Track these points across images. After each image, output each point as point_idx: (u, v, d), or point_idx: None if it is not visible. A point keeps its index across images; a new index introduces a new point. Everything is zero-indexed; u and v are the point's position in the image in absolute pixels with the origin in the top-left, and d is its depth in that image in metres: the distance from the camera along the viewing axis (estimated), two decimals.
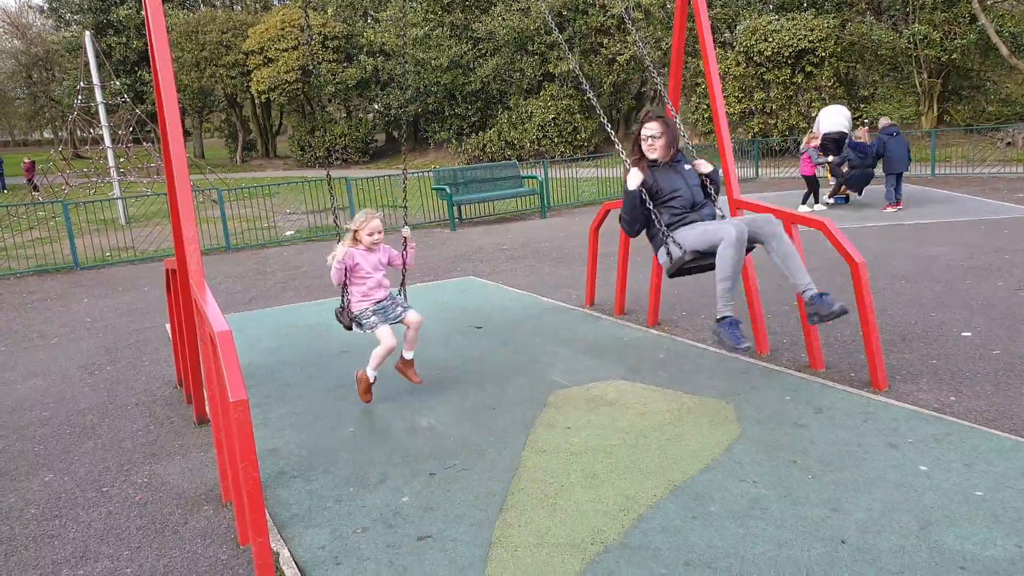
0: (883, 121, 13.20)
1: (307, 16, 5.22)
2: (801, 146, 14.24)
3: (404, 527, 3.60)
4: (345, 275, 4.92)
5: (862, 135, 13.05)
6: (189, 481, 4.33)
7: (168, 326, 7.77)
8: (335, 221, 5.14)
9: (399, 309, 5.10)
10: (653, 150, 4.95)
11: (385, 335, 4.92)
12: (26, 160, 30.15)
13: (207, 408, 5.16)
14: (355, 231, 4.95)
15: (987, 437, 4.12)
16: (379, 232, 4.96)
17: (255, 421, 4.94)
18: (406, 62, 30.60)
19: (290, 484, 4.13)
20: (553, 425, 4.65)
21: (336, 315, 5.12)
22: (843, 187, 13.37)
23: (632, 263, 7.41)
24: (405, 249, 5.23)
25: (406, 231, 5.25)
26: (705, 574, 3.08)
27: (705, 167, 5.10)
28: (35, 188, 27.91)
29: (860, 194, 13.17)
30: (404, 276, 5.45)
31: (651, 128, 4.95)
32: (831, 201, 13.51)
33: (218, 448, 3.93)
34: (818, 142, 13.27)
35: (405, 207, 5.74)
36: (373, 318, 4.97)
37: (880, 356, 4.96)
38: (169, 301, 5.81)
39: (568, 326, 6.87)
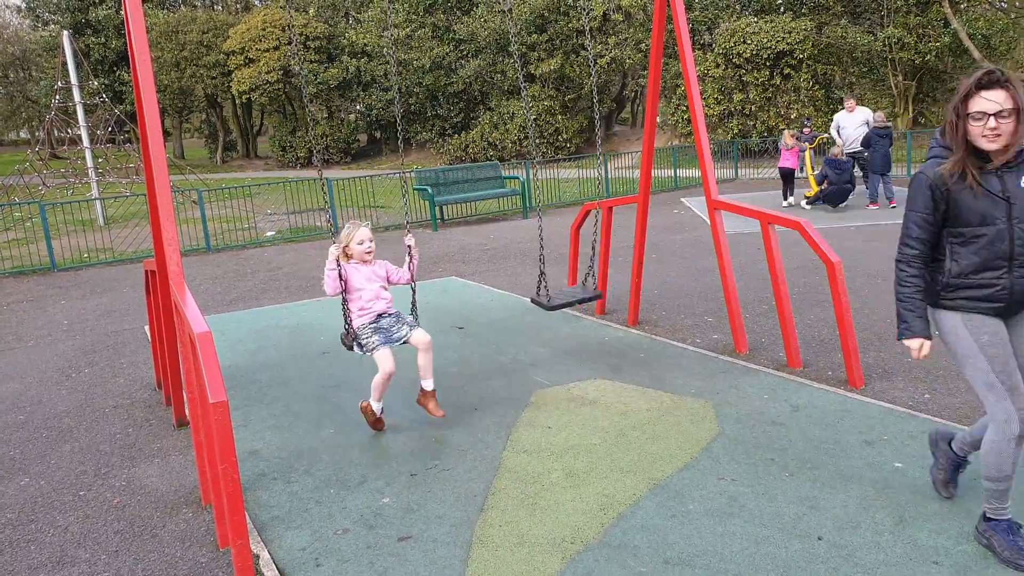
0: (878, 116, 13.31)
1: (291, 15, 5.16)
2: (784, 142, 14.40)
3: (385, 528, 3.60)
4: (342, 286, 4.50)
5: (838, 153, 13.17)
6: (168, 484, 4.31)
7: (147, 328, 7.71)
8: (328, 222, 4.81)
9: (405, 328, 4.60)
10: (997, 137, 2.84)
11: (383, 359, 4.45)
12: None
13: (186, 410, 5.14)
14: (344, 247, 4.54)
15: None
16: (369, 240, 4.56)
17: (235, 423, 4.91)
18: (396, 62, 30.51)
19: (270, 486, 4.12)
20: (534, 425, 4.67)
21: (341, 338, 4.67)
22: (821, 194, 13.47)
23: (612, 263, 7.46)
24: (410, 259, 4.78)
25: (409, 239, 4.79)
26: (684, 572, 3.11)
27: None
28: None
29: (834, 207, 13.28)
30: (414, 293, 4.97)
31: (996, 97, 2.81)
32: (807, 207, 13.56)
33: (197, 450, 3.91)
34: (839, 151, 13.28)
35: (408, 220, 5.44)
36: (374, 338, 4.50)
37: (856, 355, 5.03)
38: (148, 302, 5.77)
39: (549, 326, 6.89)
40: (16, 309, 9.35)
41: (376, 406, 4.62)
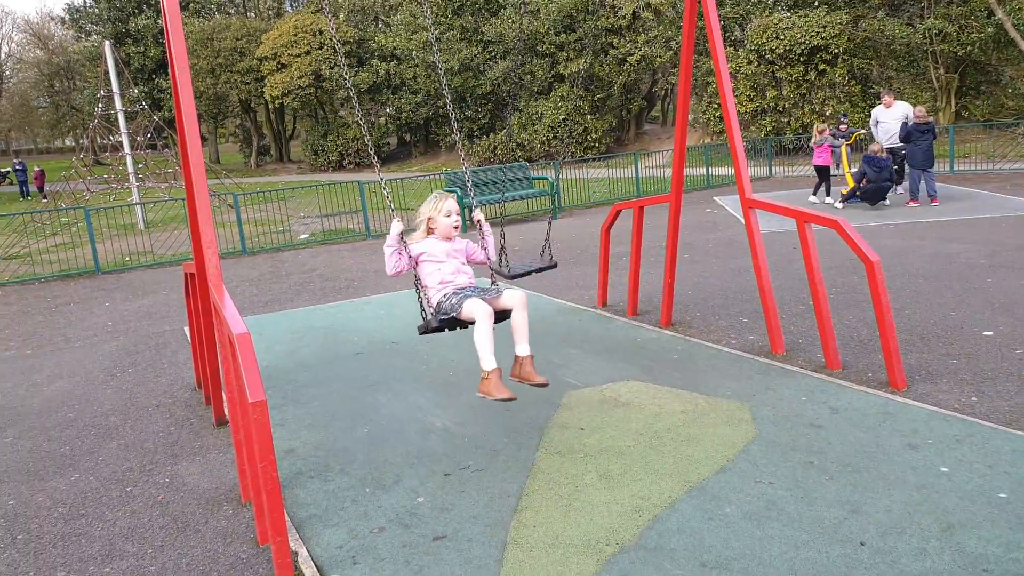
0: (919, 111, 13.07)
1: (331, 19, 5.15)
2: (814, 139, 14.23)
3: (420, 527, 3.63)
4: (408, 263, 4.13)
5: (878, 150, 12.94)
6: (209, 481, 4.38)
7: (187, 329, 7.85)
8: (400, 221, 4.17)
9: (491, 291, 4.17)
10: None
11: (475, 305, 3.94)
12: (36, 168, 30.59)
13: (225, 410, 5.22)
14: (428, 218, 4.17)
15: (1010, 438, 4.07)
16: (456, 213, 4.20)
17: (273, 422, 4.98)
18: (426, 65, 30.67)
19: (307, 484, 4.17)
20: (567, 426, 4.67)
21: (419, 331, 4.20)
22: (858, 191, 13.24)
23: (644, 263, 7.42)
24: (483, 238, 4.44)
25: (478, 214, 4.46)
26: (721, 575, 3.09)
27: None
28: (44, 196, 28.45)
29: (872, 205, 13.04)
30: (492, 271, 4.65)
31: None
32: (839, 206, 13.23)
33: (237, 449, 3.97)
34: (879, 147, 13.08)
35: (473, 197, 5.12)
36: (456, 297, 4.05)
37: (898, 356, 4.94)
38: (188, 304, 5.87)
39: (580, 327, 6.88)
40: (64, 311, 9.58)
41: (491, 362, 3.90)
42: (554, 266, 5.53)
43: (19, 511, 4.20)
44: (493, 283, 4.46)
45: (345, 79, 4.23)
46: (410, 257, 4.12)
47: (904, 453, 4.00)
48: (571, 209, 16.36)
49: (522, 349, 4.10)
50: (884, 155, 12.84)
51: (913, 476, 3.75)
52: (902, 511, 3.45)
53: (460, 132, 32.77)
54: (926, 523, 3.34)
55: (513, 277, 5.42)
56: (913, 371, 5.20)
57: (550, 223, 6.05)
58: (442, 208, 4.14)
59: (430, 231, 4.21)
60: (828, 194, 14.07)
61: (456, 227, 4.19)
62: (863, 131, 14.39)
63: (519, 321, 4.08)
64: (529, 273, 5.44)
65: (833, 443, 4.17)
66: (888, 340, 4.91)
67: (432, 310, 4.15)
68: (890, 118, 13.41)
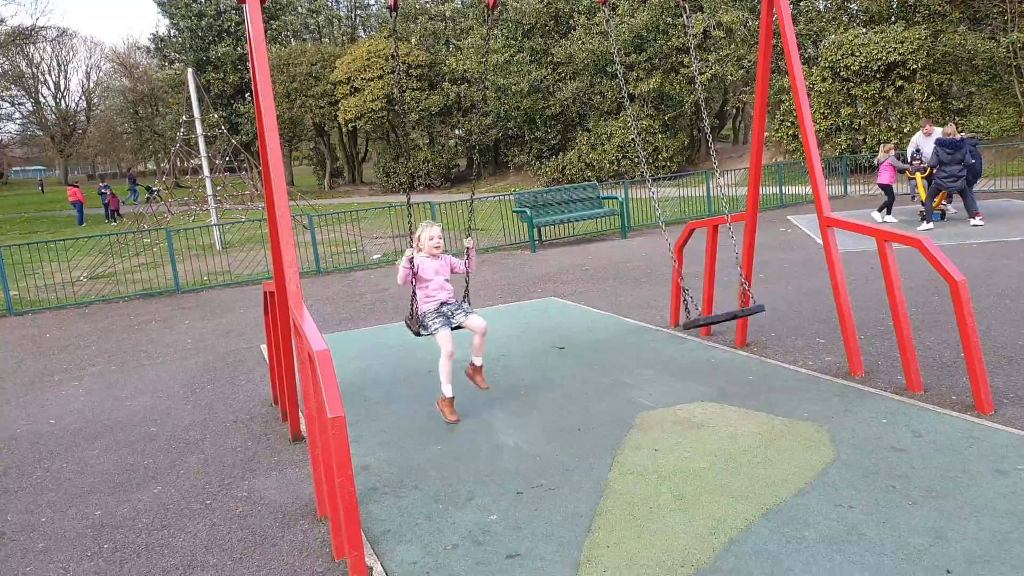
0: (947, 129, 12.80)
1: (396, 47, 5.40)
2: (878, 157, 14.04)
3: (493, 545, 3.64)
4: (412, 278, 5.25)
5: (951, 132, 12.52)
6: (285, 496, 4.50)
7: (263, 347, 8.09)
8: (411, 248, 5.34)
9: (462, 314, 5.37)
10: None
11: (444, 339, 5.21)
12: (111, 194, 32.04)
13: (302, 426, 5.36)
14: (418, 238, 5.36)
15: None
16: (438, 237, 5.36)
17: (348, 438, 5.08)
18: (485, 87, 31.07)
19: (382, 500, 4.24)
20: (640, 447, 4.63)
21: (406, 322, 5.46)
22: (937, 197, 12.76)
23: (718, 282, 7.31)
24: (468, 258, 5.56)
25: (468, 241, 5.60)
26: None
27: None
28: (114, 218, 29.97)
29: (955, 193, 12.51)
30: (467, 283, 5.71)
31: None
32: (929, 226, 12.67)
33: (314, 464, 4.07)
34: (952, 129, 12.72)
35: (472, 227, 6.02)
36: (437, 320, 5.26)
37: (984, 378, 4.74)
38: (266, 322, 6.06)
39: (652, 347, 6.82)
40: (147, 329, 9.99)
41: (448, 390, 5.31)
42: (761, 309, 5.66)
43: (105, 521, 4.38)
44: (465, 299, 5.54)
45: (401, 97, 4.39)
46: (411, 269, 5.26)
47: (992, 479, 3.83)
48: (640, 228, 16.26)
49: (477, 360, 5.52)
50: (958, 137, 12.35)
51: (1003, 503, 3.59)
52: (991, 539, 3.30)
53: (529, 153, 32.98)
54: (1017, 552, 3.19)
55: (703, 324, 5.73)
56: (1000, 394, 4.98)
57: (742, 270, 6.15)
58: (426, 233, 5.34)
59: (419, 250, 5.34)
60: (889, 212, 13.78)
61: (437, 247, 5.35)
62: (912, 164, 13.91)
63: (478, 342, 5.44)
64: (724, 320, 5.65)
65: (916, 467, 4.02)
66: (974, 362, 4.72)
67: (418, 318, 5.33)
68: (929, 147, 13.12)
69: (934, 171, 12.44)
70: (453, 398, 5.37)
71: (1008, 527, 3.38)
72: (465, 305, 5.48)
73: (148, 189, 31.51)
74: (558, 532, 3.70)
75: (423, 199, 22.33)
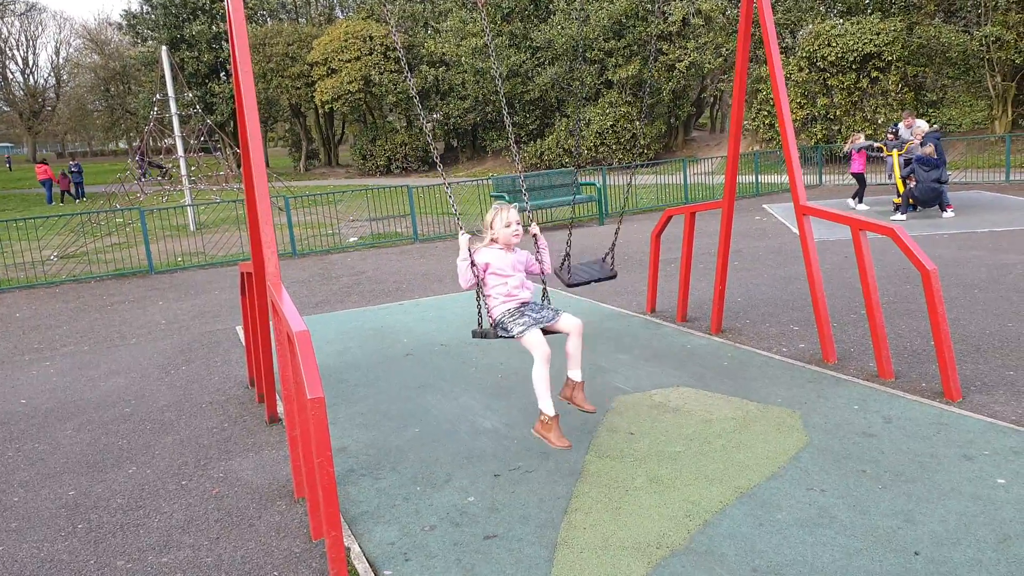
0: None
1: (395, 34, 5.31)
2: (846, 146, 14.42)
3: (470, 526, 3.67)
4: (478, 278, 4.17)
5: (930, 151, 12.72)
6: (262, 477, 4.49)
7: (239, 328, 8.04)
8: (465, 233, 4.24)
9: (549, 312, 4.19)
10: None
11: (537, 341, 4.00)
12: (63, 174, 31.52)
13: (278, 407, 5.34)
14: (489, 224, 4.22)
15: None
16: (517, 223, 4.19)
17: None
18: (474, 71, 30.88)
19: (359, 482, 4.25)
20: (616, 431, 4.67)
21: (473, 334, 4.37)
22: (910, 199, 13.00)
23: (694, 270, 7.37)
24: (538, 251, 4.43)
25: (534, 228, 4.49)
26: None
27: None
28: (77, 198, 29.59)
29: (925, 207, 12.80)
30: (544, 283, 4.63)
31: None
32: (901, 218, 12.85)
33: (292, 445, 4.06)
34: (931, 150, 12.99)
35: (529, 204, 5.03)
36: (524, 319, 4.09)
37: (953, 366, 4.85)
38: (243, 303, 6.01)
39: (629, 333, 6.87)
40: (119, 309, 9.87)
41: (550, 409, 4.02)
42: (614, 276, 5.59)
43: (80, 501, 4.34)
44: (544, 296, 4.52)
45: (408, 76, 4.29)
46: (474, 265, 4.15)
47: (959, 464, 3.92)
48: (617, 215, 16.30)
49: (575, 374, 4.23)
50: (935, 156, 12.59)
51: (969, 487, 3.68)
52: (957, 522, 3.39)
53: (511, 138, 32.89)
54: (982, 534, 3.28)
55: (572, 286, 5.49)
56: (968, 382, 5.09)
57: (617, 232, 6.04)
58: (503, 219, 4.18)
59: (493, 240, 4.23)
60: (860, 201, 14.14)
61: (517, 236, 4.20)
62: (917, 140, 14.20)
63: (574, 347, 4.19)
64: (588, 283, 5.52)
65: (886, 452, 4.11)
66: (943, 350, 4.82)
67: (492, 322, 4.22)
68: (909, 136, 13.62)
69: (908, 183, 12.75)
70: (557, 416, 4.06)
71: (974, 510, 3.47)
72: (550, 309, 4.26)
73: (159, 167, 30.93)
74: (535, 514, 3.73)
75: (400, 183, 22.22)
